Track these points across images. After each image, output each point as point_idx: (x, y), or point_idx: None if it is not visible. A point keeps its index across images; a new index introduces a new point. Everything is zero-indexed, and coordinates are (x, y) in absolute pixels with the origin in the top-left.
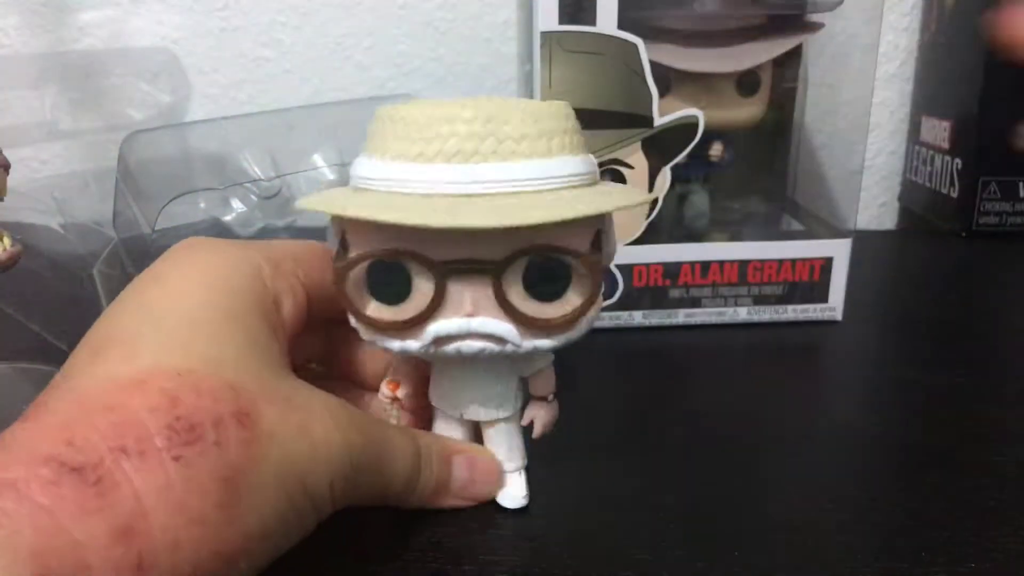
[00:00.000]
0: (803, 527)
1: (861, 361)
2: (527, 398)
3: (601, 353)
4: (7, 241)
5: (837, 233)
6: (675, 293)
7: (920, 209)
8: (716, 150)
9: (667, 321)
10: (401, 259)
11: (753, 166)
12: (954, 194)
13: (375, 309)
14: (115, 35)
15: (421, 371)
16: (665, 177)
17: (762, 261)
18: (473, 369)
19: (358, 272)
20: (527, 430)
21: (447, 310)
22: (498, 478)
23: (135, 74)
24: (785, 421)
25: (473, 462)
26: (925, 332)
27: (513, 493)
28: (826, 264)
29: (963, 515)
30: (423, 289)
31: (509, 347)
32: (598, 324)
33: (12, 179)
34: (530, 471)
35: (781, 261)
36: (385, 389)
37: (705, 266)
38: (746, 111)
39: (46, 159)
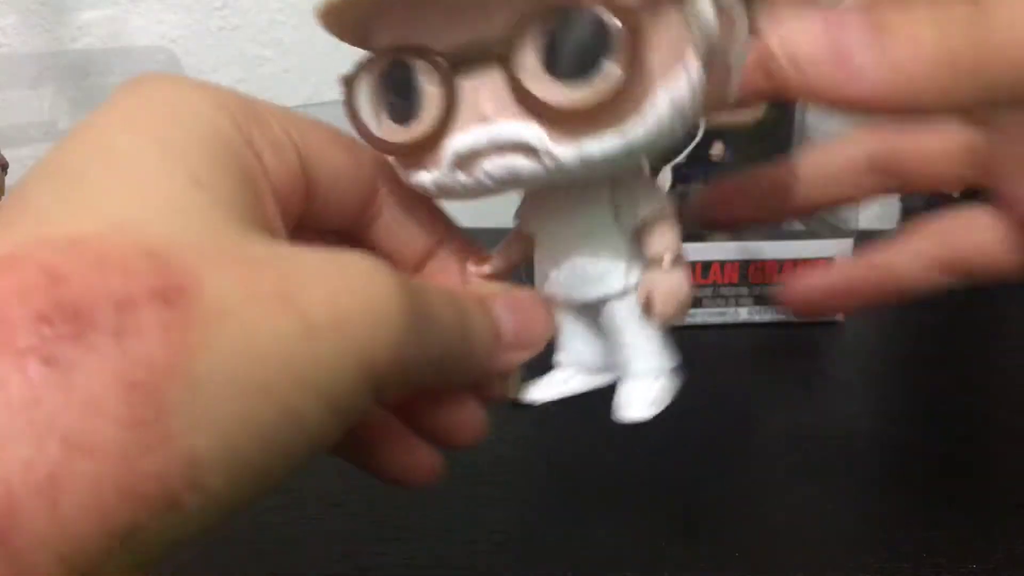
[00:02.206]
0: (804, 527)
1: (862, 362)
2: None
3: None
4: None
5: (839, 233)
6: None
7: (922, 209)
8: (716, 150)
9: None
10: (404, 58)
11: (753, 166)
12: (955, 193)
13: (388, 130)
14: (114, 34)
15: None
16: (665, 177)
17: (763, 261)
18: (566, 223)
19: (365, 85)
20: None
21: (463, 119)
22: (545, 312)
23: (134, 73)
24: (786, 421)
25: (514, 302)
26: (926, 332)
27: (633, 399)
28: (828, 264)
29: (964, 516)
30: (433, 96)
31: (547, 161)
32: None
33: (10, 179)
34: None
35: (782, 261)
36: (472, 267)
37: (706, 266)
38: (746, 111)
39: None
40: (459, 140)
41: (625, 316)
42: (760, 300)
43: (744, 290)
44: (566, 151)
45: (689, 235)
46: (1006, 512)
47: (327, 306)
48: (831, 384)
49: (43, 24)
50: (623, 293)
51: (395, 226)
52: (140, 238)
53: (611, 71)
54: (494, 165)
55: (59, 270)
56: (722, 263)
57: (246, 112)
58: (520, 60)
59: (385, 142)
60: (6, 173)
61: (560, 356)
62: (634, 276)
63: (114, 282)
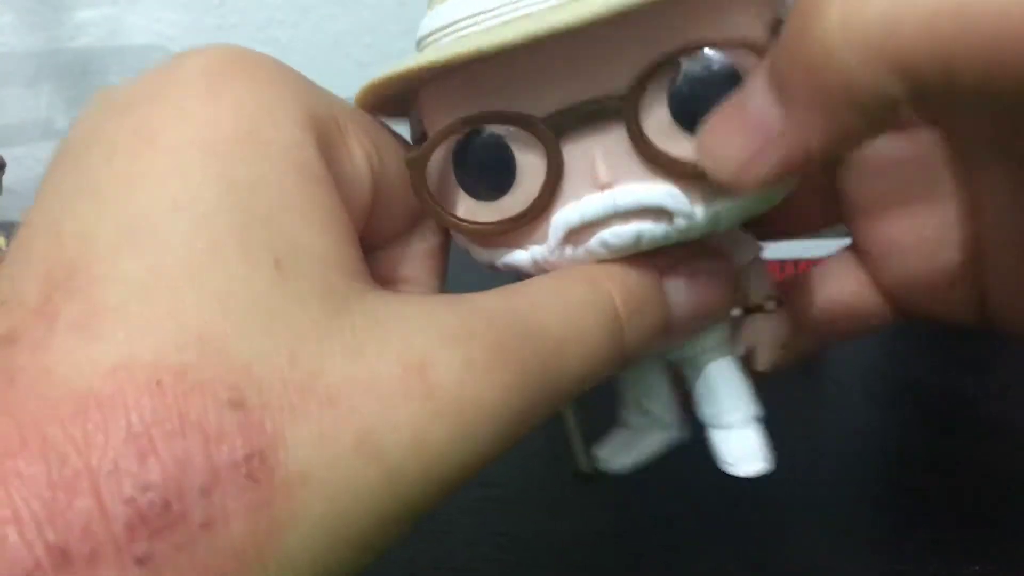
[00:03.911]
0: (805, 528)
1: (862, 362)
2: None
3: None
4: (2, 241)
5: (841, 233)
6: None
7: None
8: None
9: None
10: (492, 128)
11: None
12: None
13: (471, 210)
14: (111, 33)
15: None
16: None
17: (764, 261)
18: None
19: (441, 161)
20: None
21: (572, 187)
22: (726, 280)
23: (132, 72)
24: (786, 422)
25: (693, 272)
26: (927, 332)
27: (745, 452)
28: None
29: (967, 517)
30: (532, 167)
31: (680, 222)
32: None
33: (7, 178)
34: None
35: (783, 261)
36: None
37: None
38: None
39: (41, 158)
40: (572, 212)
41: (721, 366)
42: None
43: None
44: (701, 210)
45: None
46: (1009, 514)
47: (409, 446)
48: (831, 384)
49: (40, 22)
50: (716, 348)
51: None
52: (222, 371)
53: None
54: (614, 233)
55: (141, 435)
56: None
57: (329, 126)
58: (645, 115)
59: (472, 224)
60: (4, 172)
61: (628, 414)
62: (724, 326)
63: (199, 457)
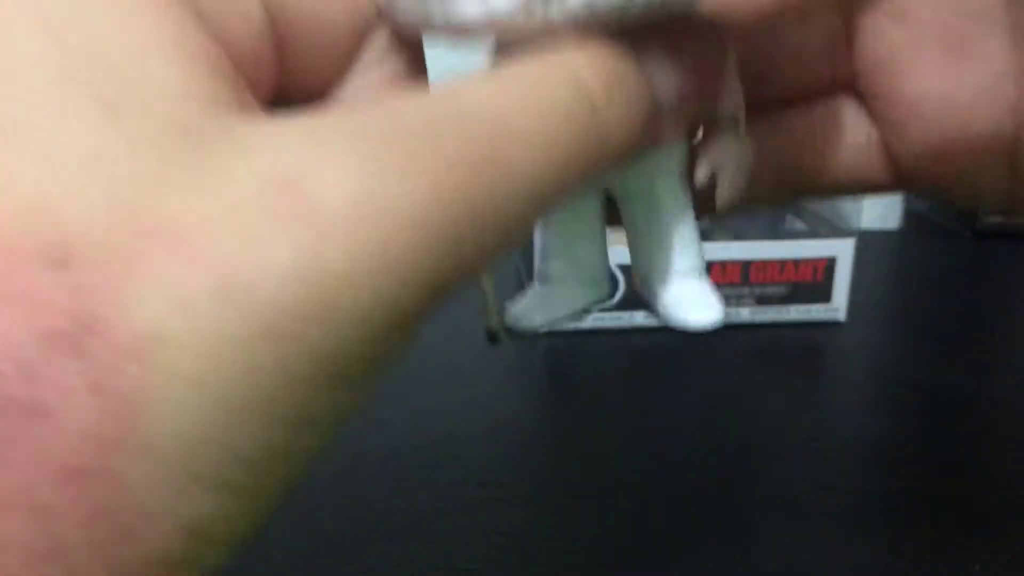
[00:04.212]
0: (806, 529)
1: (864, 362)
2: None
3: (601, 355)
4: None
5: (841, 233)
6: None
7: (924, 209)
8: None
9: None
10: None
11: None
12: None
13: None
14: None
15: None
16: None
17: (765, 261)
18: None
19: None
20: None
21: None
22: (718, 58)
23: None
24: (787, 422)
25: (678, 47)
26: (929, 333)
27: (699, 300)
28: (830, 264)
29: (968, 518)
30: None
31: None
32: (598, 325)
33: None
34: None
35: (784, 261)
36: None
37: (707, 266)
38: None
39: None
40: None
41: (675, 200)
42: (762, 300)
43: (745, 290)
44: None
45: None
46: (1011, 514)
47: (289, 281)
48: (832, 385)
49: None
50: (670, 172)
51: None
52: (42, 229)
53: None
54: None
55: None
56: (723, 263)
57: None
58: None
59: None
60: None
61: (548, 266)
62: (679, 153)
63: (18, 330)
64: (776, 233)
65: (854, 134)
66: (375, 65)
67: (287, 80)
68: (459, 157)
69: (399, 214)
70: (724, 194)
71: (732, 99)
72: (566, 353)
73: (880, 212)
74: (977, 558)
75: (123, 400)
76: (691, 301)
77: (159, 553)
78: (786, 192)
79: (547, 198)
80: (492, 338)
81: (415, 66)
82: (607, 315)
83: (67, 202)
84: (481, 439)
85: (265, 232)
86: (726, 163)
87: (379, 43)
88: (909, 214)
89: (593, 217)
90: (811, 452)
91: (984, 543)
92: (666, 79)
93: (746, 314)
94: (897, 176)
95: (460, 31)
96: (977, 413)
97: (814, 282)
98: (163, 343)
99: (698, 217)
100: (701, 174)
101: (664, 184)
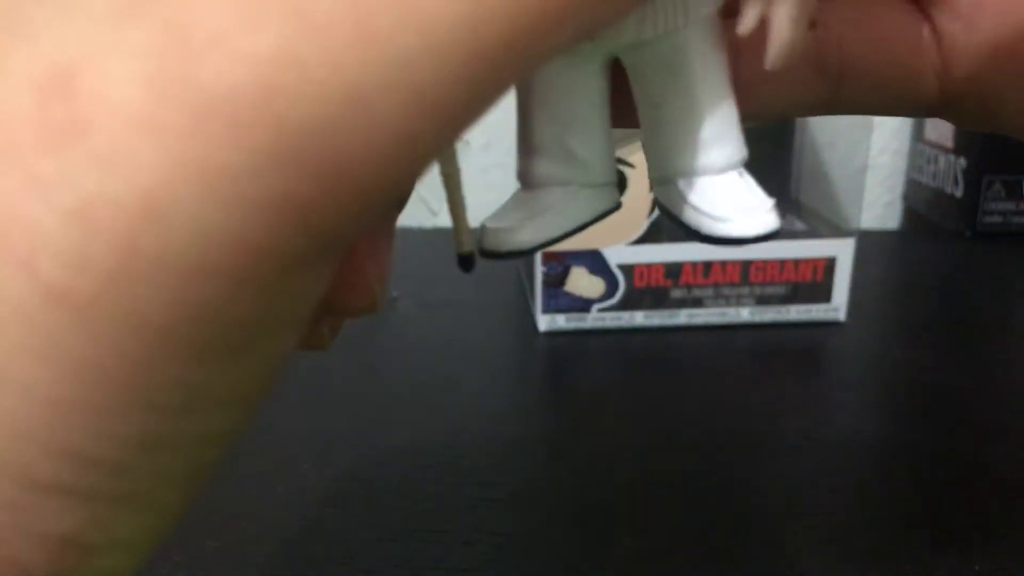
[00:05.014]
0: (806, 529)
1: (864, 362)
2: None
3: (601, 354)
4: None
5: (841, 233)
6: (677, 293)
7: (924, 209)
8: None
9: (669, 322)
10: None
11: (755, 165)
12: (958, 193)
13: None
14: None
15: None
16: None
17: (765, 261)
18: None
19: None
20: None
21: None
22: None
23: None
24: (787, 422)
25: None
26: (929, 332)
27: (746, 201)
28: (829, 264)
29: (968, 517)
30: None
31: None
32: (598, 324)
33: None
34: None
35: (784, 261)
36: None
37: (707, 266)
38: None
39: None
40: None
41: (697, 65)
42: (762, 300)
43: (745, 290)
44: None
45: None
46: (1009, 514)
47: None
48: (832, 384)
49: None
50: (702, 18)
51: None
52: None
53: None
54: None
55: None
56: (723, 263)
57: None
58: None
59: None
60: None
61: (535, 165)
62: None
63: None
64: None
65: (911, 25)
66: None
67: None
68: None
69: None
70: (777, 49)
71: None
72: (566, 353)
73: (880, 212)
74: (977, 558)
75: None
76: (734, 204)
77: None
78: (822, 84)
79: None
80: (465, 264)
81: None
82: (607, 315)
83: None
84: (481, 439)
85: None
86: (782, 5)
87: None
88: (909, 214)
89: (593, 94)
90: (811, 452)
91: (984, 543)
92: None
93: (746, 314)
94: (945, 89)
95: None
96: (977, 413)
97: (814, 282)
98: None
99: (738, 85)
100: (748, 18)
101: (694, 40)
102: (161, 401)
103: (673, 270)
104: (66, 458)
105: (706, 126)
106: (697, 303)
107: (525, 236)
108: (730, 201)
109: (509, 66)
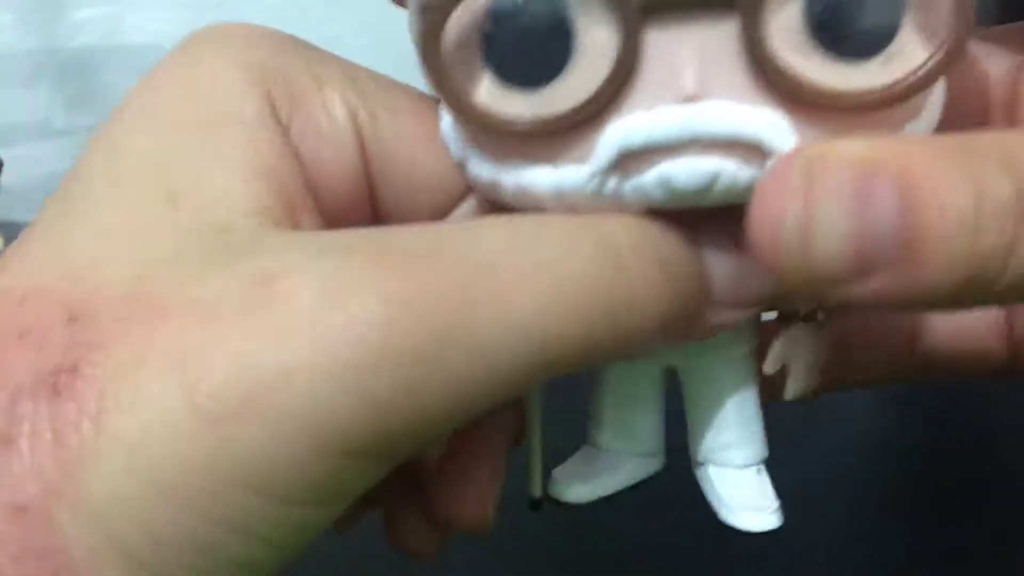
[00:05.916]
0: (807, 532)
1: None
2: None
3: None
4: (0, 241)
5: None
6: None
7: None
8: None
9: None
10: None
11: None
12: None
13: (495, 93)
14: (110, 32)
15: None
16: None
17: None
18: None
19: (466, 23)
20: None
21: (644, 92)
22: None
23: (130, 72)
24: (787, 422)
25: (741, 238)
26: None
27: (753, 499)
28: None
29: (972, 522)
30: (595, 49)
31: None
32: None
33: (5, 177)
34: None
35: None
36: None
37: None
38: None
39: (40, 157)
40: (636, 127)
41: (739, 383)
42: None
43: None
44: None
45: None
46: (1011, 514)
47: (234, 372)
48: None
49: (39, 22)
50: (738, 356)
51: None
52: (75, 290)
53: (909, 57)
54: (686, 168)
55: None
56: None
57: (293, 87)
58: (770, 17)
59: (492, 115)
60: (1, 171)
61: (600, 435)
62: (749, 334)
63: (22, 365)
64: None
65: (979, 314)
66: (465, 220)
67: (385, 219)
68: (440, 285)
69: (362, 322)
70: (794, 387)
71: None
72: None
73: None
74: (977, 558)
75: (71, 451)
76: (746, 501)
77: None
78: (897, 372)
79: (554, 347)
80: (534, 506)
81: None
82: None
83: (105, 269)
84: None
85: (229, 321)
86: (799, 355)
87: (470, 203)
88: None
89: (651, 387)
90: (810, 451)
91: (984, 544)
92: (724, 269)
93: None
94: (1016, 353)
95: (530, 201)
96: (977, 413)
97: None
98: (121, 408)
99: (764, 403)
100: (770, 365)
101: (728, 365)
102: (234, 521)
103: None
104: (147, 534)
105: (732, 431)
106: None
107: (584, 492)
108: (741, 496)
109: (571, 369)
